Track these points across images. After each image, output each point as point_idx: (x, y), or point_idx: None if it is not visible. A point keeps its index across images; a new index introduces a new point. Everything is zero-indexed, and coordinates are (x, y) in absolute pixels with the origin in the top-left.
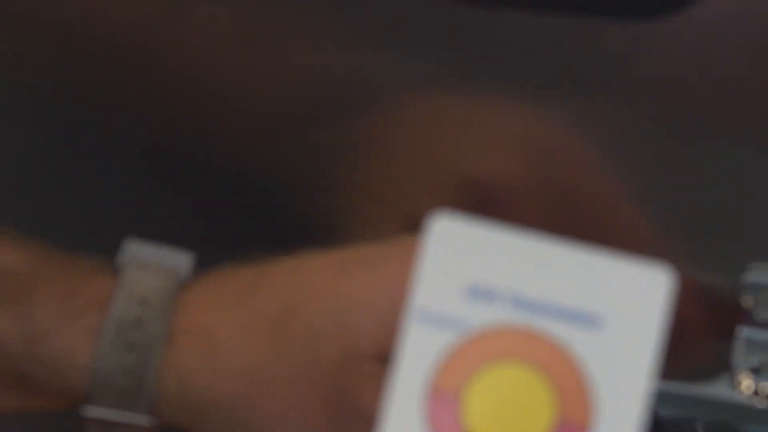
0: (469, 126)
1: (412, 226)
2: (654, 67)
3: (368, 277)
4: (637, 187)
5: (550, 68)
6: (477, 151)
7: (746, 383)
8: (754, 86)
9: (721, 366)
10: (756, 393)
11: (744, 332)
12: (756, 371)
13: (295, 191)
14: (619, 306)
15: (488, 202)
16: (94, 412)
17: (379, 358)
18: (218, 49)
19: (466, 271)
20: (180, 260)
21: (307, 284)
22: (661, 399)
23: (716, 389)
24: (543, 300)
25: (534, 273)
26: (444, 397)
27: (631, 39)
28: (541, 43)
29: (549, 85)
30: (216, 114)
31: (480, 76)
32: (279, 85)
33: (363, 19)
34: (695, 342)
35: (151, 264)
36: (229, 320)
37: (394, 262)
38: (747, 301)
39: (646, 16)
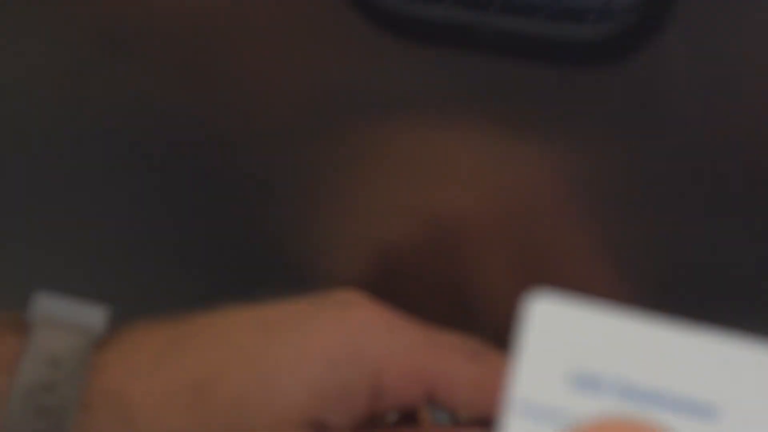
0: (431, 160)
1: (380, 264)
2: (604, 112)
3: (295, 338)
4: (599, 232)
5: (514, 107)
6: (438, 185)
7: None
8: (703, 129)
9: None
10: None
11: None
12: None
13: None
14: (741, 394)
15: (446, 237)
16: None
17: (309, 426)
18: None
19: (570, 357)
20: (94, 315)
21: (230, 346)
22: None
23: None
24: (654, 389)
25: (643, 358)
26: None
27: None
28: (500, 85)
29: (511, 123)
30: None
31: (438, 111)
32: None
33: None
34: None
35: (62, 320)
36: (148, 385)
37: (322, 321)
38: None
39: (603, 62)
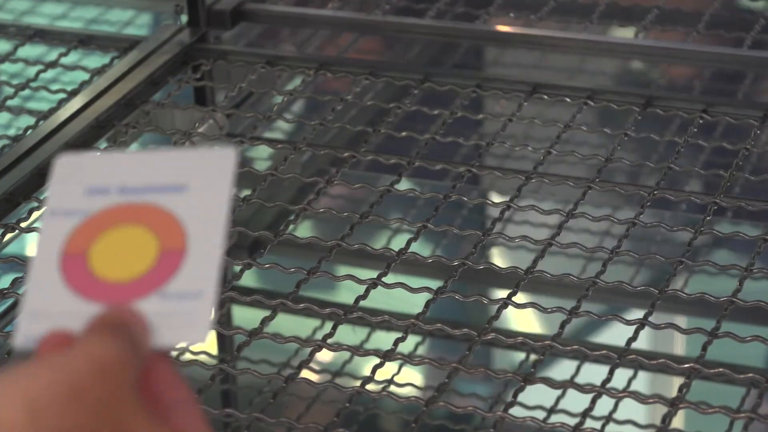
0: None
1: None
2: None
3: None
4: None
5: None
6: None
7: None
8: None
9: None
10: None
11: None
12: None
13: None
14: (198, 175)
15: None
16: None
17: None
18: None
19: (83, 179)
20: None
21: None
22: None
23: None
24: (140, 185)
25: (132, 171)
26: (73, 258)
27: None
28: None
29: None
30: None
31: None
32: None
33: None
34: None
35: None
36: None
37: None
38: None
39: None
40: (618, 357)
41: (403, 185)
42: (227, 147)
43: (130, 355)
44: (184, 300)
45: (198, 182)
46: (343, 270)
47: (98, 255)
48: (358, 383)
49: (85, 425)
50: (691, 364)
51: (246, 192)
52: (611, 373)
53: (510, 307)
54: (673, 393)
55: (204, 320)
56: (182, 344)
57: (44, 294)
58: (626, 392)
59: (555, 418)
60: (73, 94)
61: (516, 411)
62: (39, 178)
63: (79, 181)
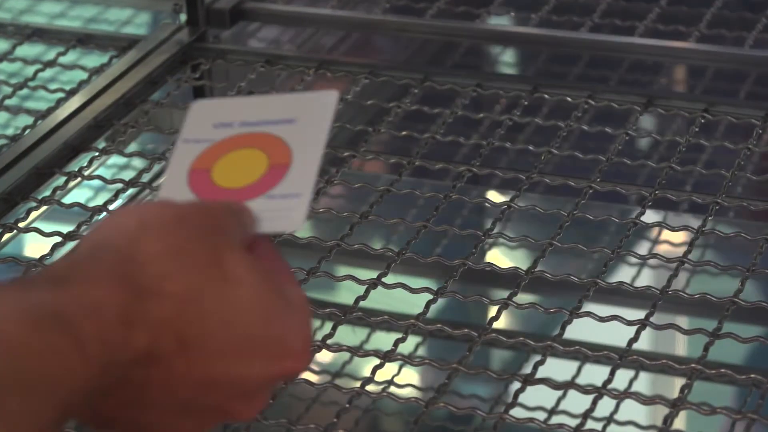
0: None
1: None
2: None
3: None
4: None
5: None
6: None
7: None
8: None
9: None
10: None
11: None
12: None
13: None
14: (305, 111)
15: None
16: None
17: None
18: None
19: (212, 117)
20: None
21: None
22: None
23: None
24: (258, 119)
25: (251, 109)
26: (199, 172)
27: None
28: None
29: None
30: None
31: None
32: None
33: None
34: None
35: None
36: None
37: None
38: None
39: None
40: (619, 357)
41: (403, 185)
42: (331, 90)
43: (234, 219)
44: (286, 199)
45: (304, 116)
46: (342, 270)
47: (219, 170)
48: (358, 384)
49: (185, 245)
50: (693, 365)
51: None
52: (612, 373)
53: (510, 307)
54: (675, 394)
55: (300, 213)
56: (283, 230)
57: (173, 195)
58: (627, 393)
59: (556, 419)
60: (71, 93)
61: (516, 412)
62: (37, 177)
63: (209, 118)
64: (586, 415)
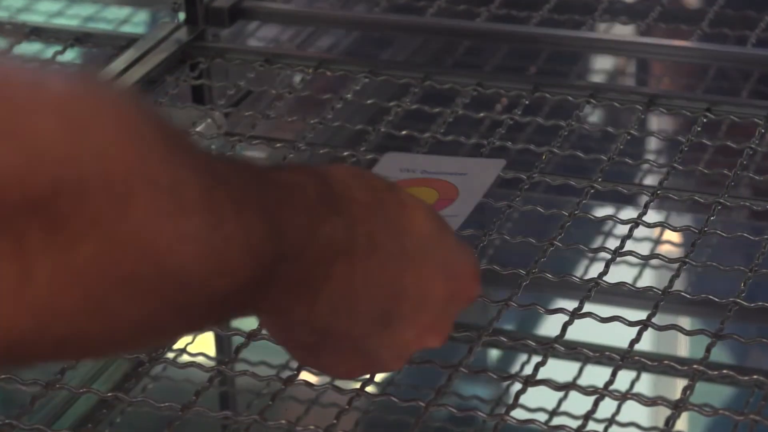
0: None
1: None
2: None
3: None
4: None
5: None
6: None
7: None
8: None
9: None
10: None
11: None
12: None
13: None
14: (475, 169)
15: None
16: None
17: None
18: None
19: (399, 164)
20: None
21: None
22: None
23: None
24: (435, 170)
25: (431, 163)
26: None
27: None
28: None
29: None
30: None
31: None
32: None
33: None
34: None
35: None
36: None
37: None
38: None
39: None
40: (621, 358)
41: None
42: (500, 159)
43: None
44: (448, 217)
45: (474, 172)
46: None
47: None
48: (357, 385)
49: (366, 173)
50: (695, 366)
51: None
52: (614, 374)
53: (511, 307)
54: (677, 395)
55: (456, 223)
56: None
57: None
58: (629, 394)
59: (557, 421)
60: None
61: (517, 413)
62: None
63: (396, 164)
64: (588, 416)
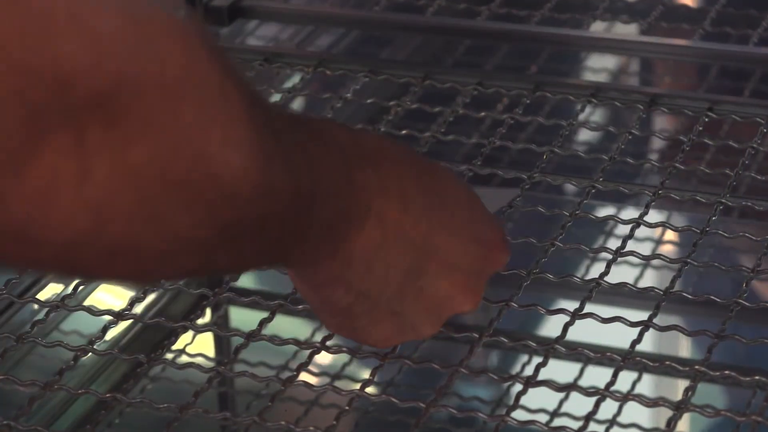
0: None
1: None
2: None
3: None
4: None
5: None
6: None
7: None
8: None
9: None
10: None
11: None
12: None
13: None
14: (488, 196)
15: None
16: None
17: None
18: None
19: None
20: None
21: None
22: None
23: None
24: None
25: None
26: None
27: None
28: None
29: None
30: None
31: None
32: None
33: None
34: None
35: None
36: None
37: None
38: None
39: None
40: (622, 359)
41: None
42: (515, 189)
43: None
44: None
45: (486, 199)
46: None
47: None
48: (357, 386)
49: (394, 145)
50: (697, 367)
51: None
52: (615, 375)
53: (512, 308)
54: (678, 396)
55: None
56: None
57: None
58: (630, 395)
59: (558, 422)
60: None
61: (518, 414)
62: None
63: None
64: (589, 417)
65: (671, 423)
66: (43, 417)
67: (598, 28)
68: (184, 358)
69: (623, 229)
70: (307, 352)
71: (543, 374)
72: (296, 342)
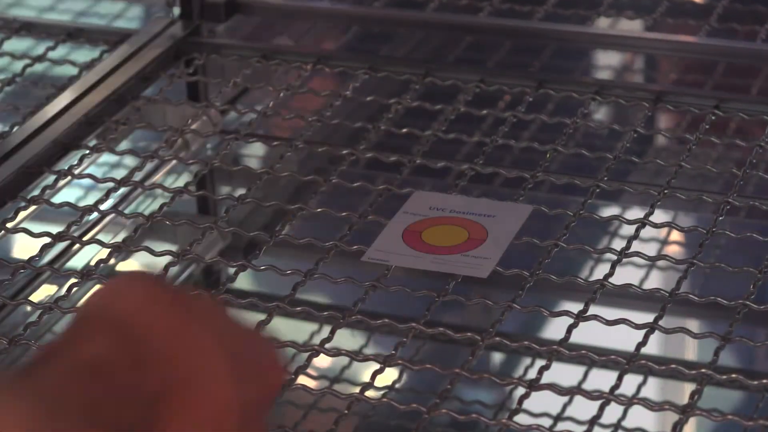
0: None
1: None
2: None
3: None
4: None
5: None
6: None
7: None
8: None
9: None
10: None
11: None
12: None
13: None
14: (504, 212)
15: None
16: None
17: None
18: None
19: (429, 203)
20: None
21: None
22: None
23: None
24: (465, 210)
25: (462, 204)
26: (412, 232)
27: None
28: None
29: None
30: None
31: None
32: None
33: None
34: None
35: None
36: None
37: None
38: None
39: None
40: (627, 362)
41: (404, 184)
42: (528, 205)
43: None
44: (478, 259)
45: (502, 215)
46: (341, 272)
47: (429, 233)
48: (357, 390)
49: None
50: (703, 370)
51: (241, 191)
52: (620, 379)
53: (515, 310)
54: (685, 400)
55: (489, 266)
56: (472, 275)
57: (387, 242)
58: (635, 399)
59: (561, 426)
60: (61, 89)
61: (521, 418)
62: (26, 176)
63: (426, 202)
64: (593, 421)
65: (677, 427)
66: None
67: (602, 24)
68: None
69: (628, 230)
70: (306, 354)
71: (546, 377)
72: (294, 345)
